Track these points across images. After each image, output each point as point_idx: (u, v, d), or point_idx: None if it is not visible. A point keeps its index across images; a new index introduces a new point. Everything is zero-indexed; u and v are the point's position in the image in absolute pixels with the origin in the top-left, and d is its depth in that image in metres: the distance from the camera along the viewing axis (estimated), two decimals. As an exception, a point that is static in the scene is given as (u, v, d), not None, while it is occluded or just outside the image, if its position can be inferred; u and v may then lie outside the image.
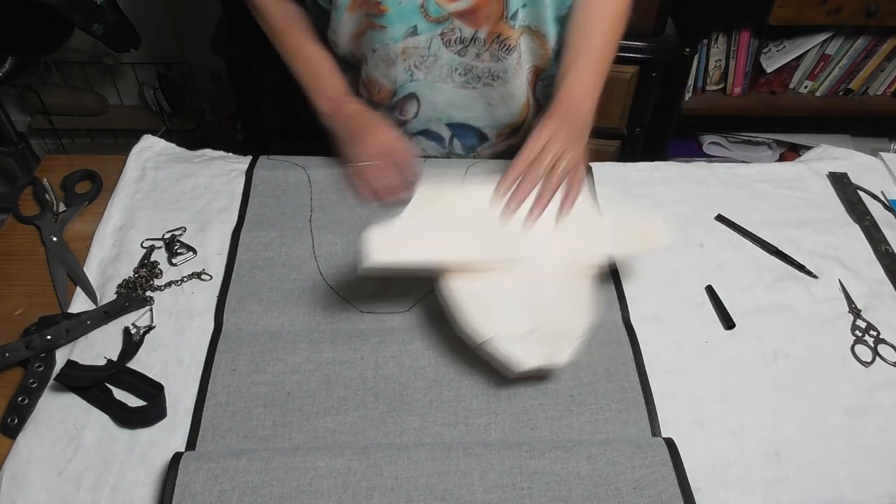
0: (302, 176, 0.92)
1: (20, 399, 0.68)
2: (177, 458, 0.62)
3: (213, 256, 0.82)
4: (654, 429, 0.68)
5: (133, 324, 0.75)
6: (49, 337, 0.71)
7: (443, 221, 0.73)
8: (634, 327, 0.77)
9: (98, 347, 0.73)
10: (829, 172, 0.99)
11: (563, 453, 0.63)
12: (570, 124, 0.78)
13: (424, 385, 0.71)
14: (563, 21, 0.88)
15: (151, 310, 0.77)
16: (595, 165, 0.96)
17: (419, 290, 0.79)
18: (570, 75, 0.80)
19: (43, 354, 0.71)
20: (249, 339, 0.74)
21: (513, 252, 0.72)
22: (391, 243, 0.68)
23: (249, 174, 0.91)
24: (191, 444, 0.66)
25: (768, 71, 1.78)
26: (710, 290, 0.82)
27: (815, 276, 0.84)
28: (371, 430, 0.68)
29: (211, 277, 0.80)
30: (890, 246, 0.88)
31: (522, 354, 0.66)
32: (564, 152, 0.76)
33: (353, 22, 0.85)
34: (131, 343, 0.73)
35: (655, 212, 0.80)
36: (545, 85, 0.97)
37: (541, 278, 0.71)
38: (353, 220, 0.87)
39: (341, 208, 0.88)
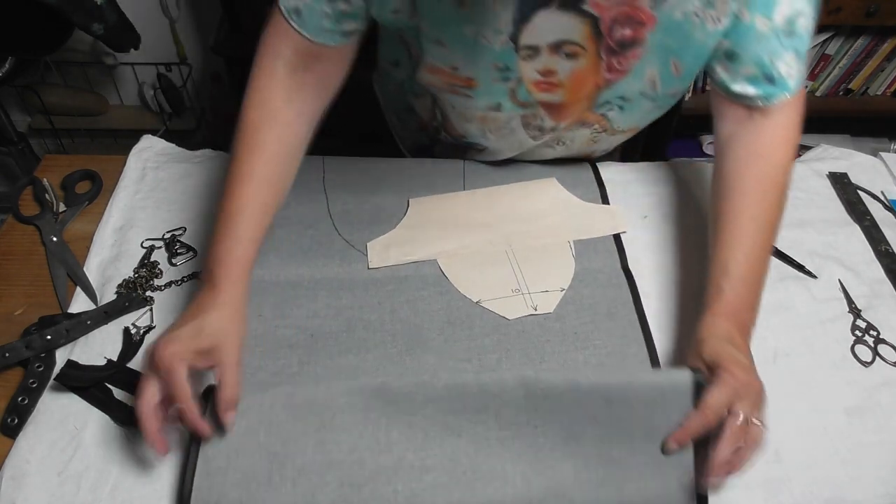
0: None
1: (20, 399, 0.68)
2: (207, 391, 0.64)
3: (213, 256, 0.82)
4: (653, 360, 0.74)
5: (133, 324, 0.75)
6: (49, 337, 0.71)
7: (433, 224, 0.86)
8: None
9: (98, 347, 0.73)
10: (829, 172, 0.99)
11: (577, 395, 0.63)
12: (739, 347, 0.64)
13: (438, 326, 0.76)
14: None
15: (151, 310, 0.77)
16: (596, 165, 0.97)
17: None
18: (732, 281, 0.68)
19: (43, 354, 0.71)
20: (272, 287, 0.79)
21: (492, 238, 0.85)
22: (388, 249, 0.83)
23: None
24: None
25: (768, 71, 1.77)
26: (710, 290, 0.82)
27: (815, 277, 0.84)
28: (391, 367, 0.72)
29: (211, 277, 0.80)
30: (890, 246, 0.88)
31: (510, 309, 0.77)
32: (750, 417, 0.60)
33: (428, 79, 0.80)
34: (131, 343, 0.73)
35: (617, 205, 0.91)
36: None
37: (520, 252, 0.84)
38: (365, 180, 0.92)
39: (352, 170, 0.93)
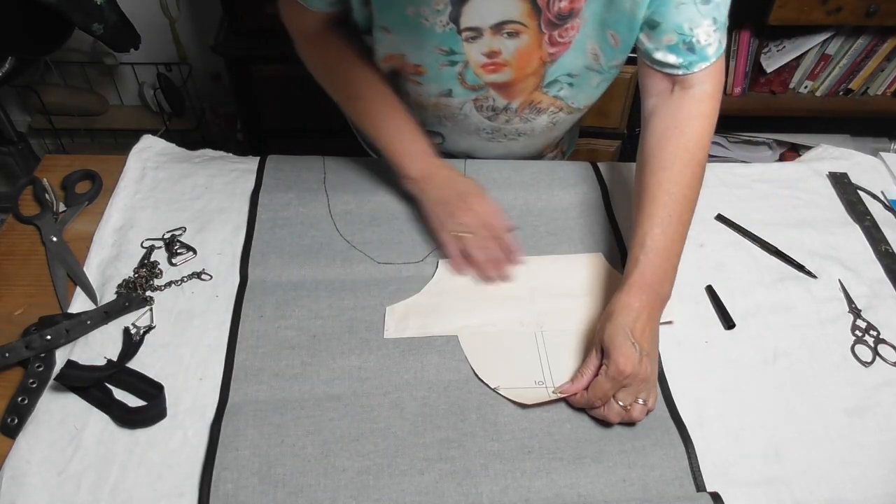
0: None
1: (20, 399, 0.68)
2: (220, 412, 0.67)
3: (212, 256, 0.82)
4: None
5: (133, 324, 0.75)
6: (49, 337, 0.71)
7: (458, 293, 0.79)
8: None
9: (98, 347, 0.73)
10: (829, 172, 0.99)
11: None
12: (651, 319, 0.69)
13: None
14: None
15: (151, 310, 0.77)
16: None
17: (432, 242, 0.85)
18: (648, 254, 0.71)
19: (43, 354, 0.71)
20: (274, 288, 0.78)
21: (523, 316, 0.77)
22: (408, 318, 0.76)
23: (263, 159, 0.94)
24: (225, 383, 0.70)
25: (768, 71, 1.78)
26: (710, 290, 0.82)
27: (815, 277, 0.84)
28: (394, 366, 0.72)
29: (211, 277, 0.80)
30: (890, 246, 0.88)
31: (529, 397, 0.69)
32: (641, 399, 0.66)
33: (384, 67, 0.85)
34: (131, 343, 0.73)
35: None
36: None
37: (549, 335, 0.75)
38: (366, 180, 0.92)
39: (352, 170, 0.93)
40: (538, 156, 1.02)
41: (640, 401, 0.66)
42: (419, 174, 0.84)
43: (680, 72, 0.75)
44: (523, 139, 0.92)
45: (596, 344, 0.69)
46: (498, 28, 0.74)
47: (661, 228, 0.72)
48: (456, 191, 0.82)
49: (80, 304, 0.77)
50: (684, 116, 0.76)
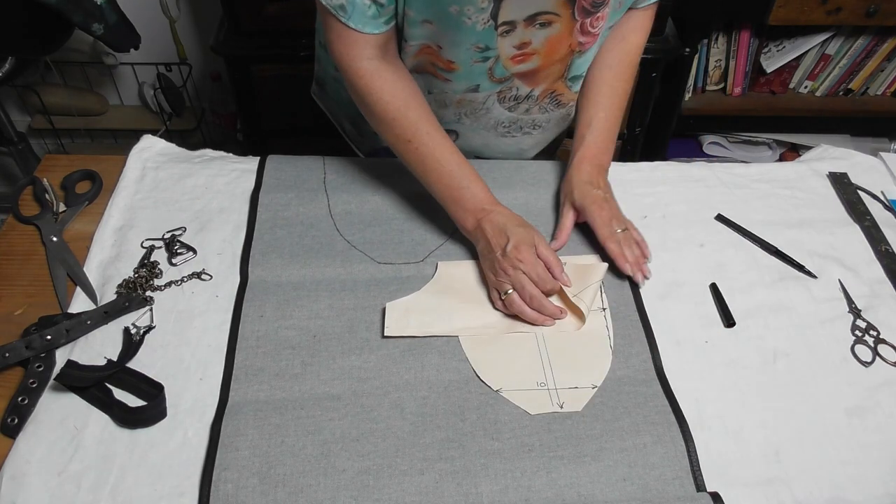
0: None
1: (20, 399, 0.68)
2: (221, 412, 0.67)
3: (212, 256, 0.82)
4: (655, 359, 0.74)
5: (133, 324, 0.75)
6: (49, 337, 0.71)
7: (458, 294, 0.79)
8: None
9: (98, 347, 0.73)
10: (829, 172, 0.99)
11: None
12: (600, 178, 0.85)
13: None
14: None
15: (151, 310, 0.77)
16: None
17: (433, 242, 0.85)
18: (593, 132, 0.86)
19: (43, 354, 0.71)
20: (274, 289, 0.78)
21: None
22: (408, 315, 0.75)
23: (263, 159, 0.94)
24: (225, 383, 0.70)
25: (768, 71, 1.78)
26: (714, 288, 0.82)
27: (815, 277, 0.84)
28: (394, 366, 0.72)
29: (211, 277, 0.80)
30: (890, 246, 0.88)
31: (532, 404, 0.69)
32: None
33: (411, 62, 0.84)
34: (131, 343, 0.73)
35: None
36: None
37: (550, 337, 0.76)
38: (366, 180, 0.92)
39: (352, 170, 0.93)
40: (538, 154, 1.02)
41: (630, 227, 0.82)
42: (472, 226, 0.80)
43: (651, 1, 0.86)
44: (537, 133, 0.94)
45: (565, 205, 0.85)
46: (531, 20, 0.75)
47: (605, 113, 0.86)
48: (500, 244, 0.76)
49: (80, 304, 0.77)
50: (627, 29, 0.87)
